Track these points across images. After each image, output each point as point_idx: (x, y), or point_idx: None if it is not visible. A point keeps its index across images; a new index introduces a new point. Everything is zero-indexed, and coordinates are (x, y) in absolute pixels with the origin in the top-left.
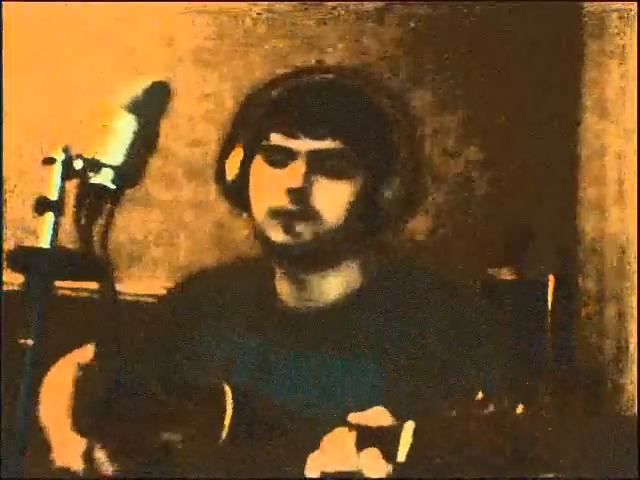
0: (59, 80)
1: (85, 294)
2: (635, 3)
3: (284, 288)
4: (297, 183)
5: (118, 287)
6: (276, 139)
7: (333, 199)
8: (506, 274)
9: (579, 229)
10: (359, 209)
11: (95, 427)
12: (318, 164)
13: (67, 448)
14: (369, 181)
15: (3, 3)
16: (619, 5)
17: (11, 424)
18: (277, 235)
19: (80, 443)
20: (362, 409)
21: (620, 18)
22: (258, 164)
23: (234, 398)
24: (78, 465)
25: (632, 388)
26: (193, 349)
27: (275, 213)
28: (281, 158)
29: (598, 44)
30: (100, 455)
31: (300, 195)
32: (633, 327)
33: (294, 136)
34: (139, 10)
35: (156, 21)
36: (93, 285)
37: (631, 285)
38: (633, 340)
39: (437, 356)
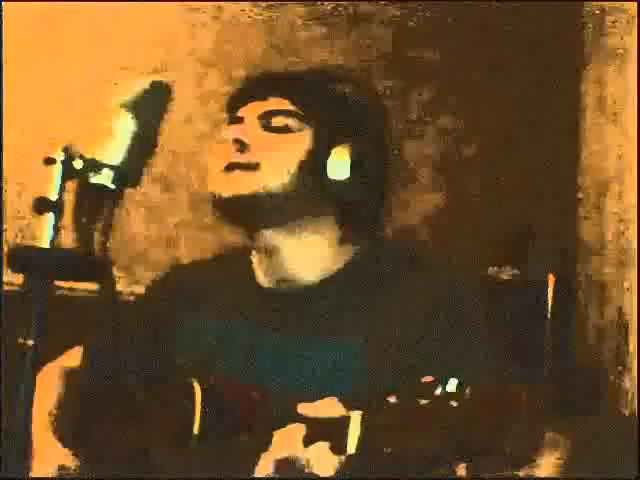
0: (59, 80)
1: (85, 294)
2: (635, 3)
3: (259, 270)
4: (239, 135)
5: (118, 287)
6: (233, 113)
7: (277, 152)
8: (506, 274)
9: (579, 229)
10: (307, 169)
11: (75, 430)
12: (266, 122)
13: (44, 458)
14: (321, 141)
15: (3, 3)
16: (619, 5)
17: (11, 424)
18: (223, 190)
19: (57, 453)
20: (345, 393)
21: (620, 18)
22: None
23: (203, 396)
24: (51, 474)
25: (632, 388)
26: (175, 340)
27: (225, 169)
28: (233, 126)
29: (598, 44)
30: (73, 464)
31: (243, 145)
32: (633, 327)
33: (244, 102)
34: (139, 10)
35: (156, 21)
36: (93, 285)
37: (631, 285)
38: (633, 340)
39: (435, 355)
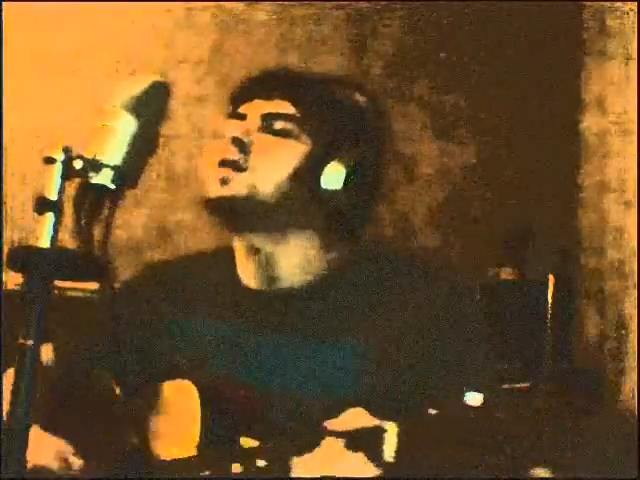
0: (59, 80)
1: (85, 294)
2: (635, 3)
3: (243, 269)
4: (239, 133)
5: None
6: (236, 108)
7: (273, 156)
8: (506, 274)
9: (579, 229)
10: (300, 178)
11: (56, 425)
12: (267, 124)
13: (39, 447)
14: (318, 151)
15: (3, 3)
16: (619, 5)
17: (11, 424)
18: (214, 189)
19: (51, 442)
20: (334, 394)
21: (620, 18)
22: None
23: (201, 397)
24: (52, 464)
25: (632, 388)
26: (158, 340)
27: (218, 165)
28: (235, 121)
29: (598, 44)
30: (71, 453)
31: (242, 145)
32: (633, 327)
33: (249, 99)
34: (139, 10)
35: (156, 21)
36: (93, 285)
37: (631, 285)
38: (633, 340)
39: (436, 356)
